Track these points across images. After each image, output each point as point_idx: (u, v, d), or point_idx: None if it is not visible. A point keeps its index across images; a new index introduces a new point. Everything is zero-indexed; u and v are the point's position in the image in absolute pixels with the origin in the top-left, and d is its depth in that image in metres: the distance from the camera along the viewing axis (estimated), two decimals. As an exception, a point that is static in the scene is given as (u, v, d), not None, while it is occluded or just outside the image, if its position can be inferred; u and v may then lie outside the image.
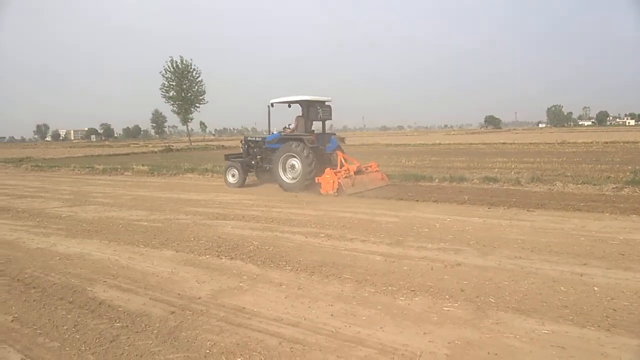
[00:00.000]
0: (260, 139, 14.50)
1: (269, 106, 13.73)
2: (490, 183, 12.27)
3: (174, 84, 50.67)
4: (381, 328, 3.91)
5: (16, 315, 4.54)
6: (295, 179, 12.80)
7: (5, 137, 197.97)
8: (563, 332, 3.76)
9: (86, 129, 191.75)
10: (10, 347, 3.87)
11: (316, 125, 13.71)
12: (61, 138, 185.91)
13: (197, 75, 51.52)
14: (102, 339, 3.92)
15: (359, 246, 6.62)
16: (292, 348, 3.62)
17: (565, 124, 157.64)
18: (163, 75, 50.20)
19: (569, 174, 13.33)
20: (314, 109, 13.15)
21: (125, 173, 20.27)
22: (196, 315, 4.36)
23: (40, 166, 26.08)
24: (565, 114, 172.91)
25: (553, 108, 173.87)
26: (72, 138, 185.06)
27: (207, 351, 3.63)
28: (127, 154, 39.65)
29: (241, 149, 15.27)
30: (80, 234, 8.15)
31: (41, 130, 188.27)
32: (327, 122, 14.05)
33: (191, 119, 54.48)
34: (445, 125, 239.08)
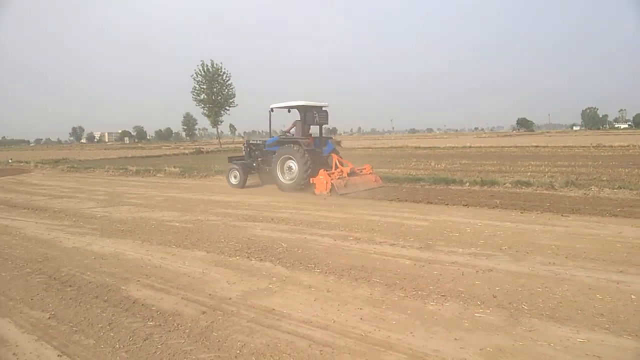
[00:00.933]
0: (261, 142, 15.40)
1: (269, 111, 14.37)
2: (523, 187, 12.01)
3: (204, 87, 51.31)
4: (411, 333, 3.89)
5: (53, 313, 4.68)
6: (293, 179, 13.50)
7: (42, 139, 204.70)
8: (599, 340, 3.65)
9: (120, 131, 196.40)
10: (47, 344, 3.99)
11: (314, 129, 14.39)
12: (96, 140, 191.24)
13: (227, 79, 52.12)
14: (135, 337, 4.01)
15: (388, 250, 6.58)
16: (321, 350, 3.63)
17: (601, 127, 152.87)
18: (194, 79, 50.97)
19: (604, 178, 12.93)
20: (310, 114, 13.96)
21: (158, 175, 20.69)
22: (227, 315, 4.42)
23: (75, 167, 26.85)
24: (601, 116, 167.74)
25: (588, 110, 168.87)
26: (107, 140, 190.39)
27: (238, 352, 3.67)
28: (159, 156, 40.47)
29: (243, 152, 16.00)
30: (114, 233, 8.36)
31: (77, 132, 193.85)
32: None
33: (221, 122, 55.08)
34: (476, 128, 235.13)
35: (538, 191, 11.58)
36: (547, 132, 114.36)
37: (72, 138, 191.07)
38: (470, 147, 37.82)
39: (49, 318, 4.55)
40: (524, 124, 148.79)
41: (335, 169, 13.27)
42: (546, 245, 6.52)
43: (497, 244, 6.68)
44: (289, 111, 14.37)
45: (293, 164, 13.48)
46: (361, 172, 13.84)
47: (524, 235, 7.15)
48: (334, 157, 13.75)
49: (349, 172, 13.20)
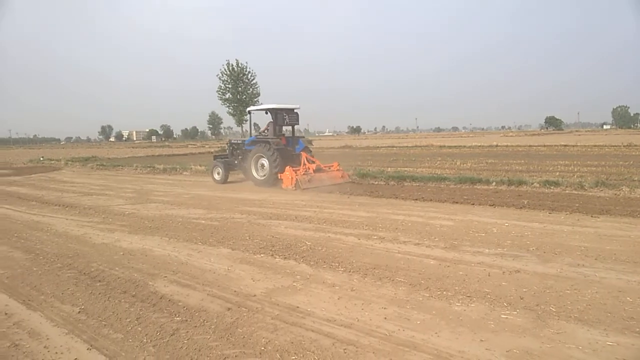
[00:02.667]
0: (241, 142, 16.81)
1: (248, 112, 16.30)
2: (551, 187, 11.78)
3: (230, 86, 51.80)
4: (436, 333, 3.86)
5: (82, 307, 4.80)
6: (264, 175, 14.97)
7: (72, 137, 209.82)
8: (629, 344, 3.57)
9: (147, 130, 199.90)
10: (77, 337, 4.09)
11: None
12: (124, 138, 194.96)
13: (252, 78, 52.49)
14: (162, 332, 4.09)
15: (413, 249, 6.54)
16: (345, 349, 3.64)
17: (632, 126, 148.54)
18: (220, 78, 51.48)
19: (636, 178, 12.59)
20: (280, 116, 15.36)
21: (184, 173, 20.98)
22: (251, 312, 4.47)
23: (104, 165, 27.42)
24: (632, 114, 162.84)
25: (619, 109, 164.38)
26: (134, 139, 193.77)
27: (262, 348, 3.71)
28: (186, 154, 41.07)
29: (227, 150, 17.56)
30: (142, 230, 8.53)
31: (105, 131, 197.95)
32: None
33: (246, 121, 55.57)
34: (503, 127, 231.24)
35: (567, 191, 11.35)
36: (577, 130, 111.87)
37: (101, 137, 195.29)
38: (497, 146, 37.28)
39: (79, 312, 4.67)
40: (553, 123, 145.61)
41: (303, 166, 14.52)
42: (575, 246, 6.39)
43: (525, 244, 6.58)
44: (266, 113, 15.59)
45: (265, 162, 14.94)
46: (329, 169, 15.30)
47: (552, 236, 7.01)
48: (303, 154, 15.01)
49: (315, 168, 14.67)
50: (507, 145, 36.92)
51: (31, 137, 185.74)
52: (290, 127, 16.15)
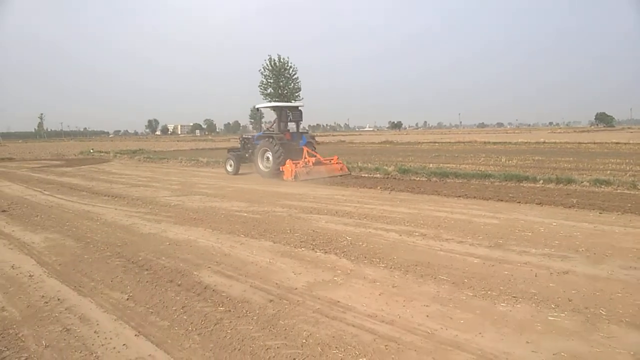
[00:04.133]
0: (251, 137, 18.21)
1: (256, 109, 18.26)
2: (602, 186, 11.30)
3: (271, 81, 52.27)
4: (480, 333, 3.79)
5: (131, 294, 4.98)
6: (269, 167, 16.22)
7: (120, 131, 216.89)
8: (686, 352, 3.40)
9: (191, 124, 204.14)
10: (125, 324, 4.25)
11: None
12: (169, 132, 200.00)
13: (294, 73, 52.77)
14: (207, 322, 4.20)
15: (456, 247, 6.43)
16: (386, 346, 3.63)
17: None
18: (261, 73, 52.04)
19: (696, 179, 11.92)
20: (284, 113, 16.94)
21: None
22: (293, 305, 4.52)
23: (151, 158, 28.27)
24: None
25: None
26: (179, 132, 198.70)
27: (304, 341, 3.75)
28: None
29: (239, 144, 19.05)
30: (187, 221, 8.75)
31: (152, 124, 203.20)
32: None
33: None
34: (550, 123, 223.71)
35: (619, 190, 10.87)
36: (629, 127, 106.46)
37: (147, 130, 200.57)
38: (544, 142, 36.00)
39: (127, 299, 4.85)
40: (603, 119, 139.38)
41: (303, 159, 15.85)
42: (627, 248, 6.12)
43: (574, 245, 6.35)
44: (273, 110, 17.39)
45: (269, 155, 16.22)
46: (330, 162, 16.67)
47: (602, 237, 6.75)
48: (304, 149, 16.34)
49: (314, 162, 15.96)
50: (554, 142, 35.61)
51: (81, 129, 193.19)
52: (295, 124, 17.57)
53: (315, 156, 16.35)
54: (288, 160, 15.32)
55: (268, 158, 16.34)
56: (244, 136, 19.07)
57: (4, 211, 10.45)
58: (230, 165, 18.05)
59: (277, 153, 15.78)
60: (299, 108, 17.52)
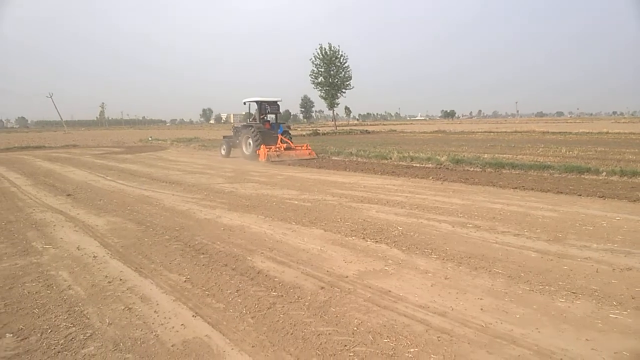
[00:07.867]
0: (241, 126, 22.00)
1: (244, 103, 21.25)
2: (672, 180, 10.63)
3: (322, 70, 52.31)
4: (537, 329, 3.68)
5: (188, 277, 5.16)
6: (250, 151, 19.95)
7: (176, 119, 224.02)
8: None
9: (244, 113, 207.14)
10: (183, 305, 4.41)
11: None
12: (222, 121, 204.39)
13: (344, 61, 52.55)
14: (260, 305, 4.30)
15: (512, 240, 6.24)
16: (439, 337, 3.59)
17: None
18: (312, 62, 52.19)
19: None
20: (263, 107, 20.90)
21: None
22: (344, 293, 4.55)
23: (205, 146, 28.99)
24: None
25: None
26: (232, 121, 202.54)
27: (355, 328, 3.77)
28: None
29: (232, 132, 22.62)
30: (240, 208, 8.96)
31: (206, 113, 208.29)
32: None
33: (337, 104, 55.91)
34: (614, 112, 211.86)
35: (691, 185, 10.18)
36: None
37: (202, 119, 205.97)
38: (607, 133, 34.05)
39: (185, 281, 5.03)
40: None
41: (275, 145, 19.48)
42: (700, 246, 5.74)
43: (638, 241, 6.02)
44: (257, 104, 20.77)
45: (250, 141, 20.01)
46: (300, 148, 20.23)
47: (672, 234, 6.36)
48: (279, 136, 20.19)
49: (285, 147, 19.71)
50: (618, 133, 33.59)
51: (140, 118, 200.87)
52: (274, 115, 21.49)
53: (287, 143, 20.13)
54: (262, 145, 19.00)
55: (250, 144, 20.09)
56: (235, 126, 23.39)
57: (69, 195, 11.06)
58: (224, 149, 21.93)
59: (255, 140, 19.60)
60: (277, 102, 21.34)
